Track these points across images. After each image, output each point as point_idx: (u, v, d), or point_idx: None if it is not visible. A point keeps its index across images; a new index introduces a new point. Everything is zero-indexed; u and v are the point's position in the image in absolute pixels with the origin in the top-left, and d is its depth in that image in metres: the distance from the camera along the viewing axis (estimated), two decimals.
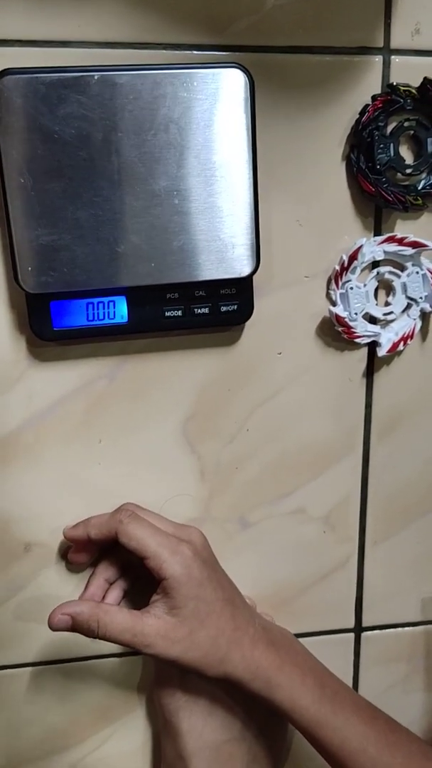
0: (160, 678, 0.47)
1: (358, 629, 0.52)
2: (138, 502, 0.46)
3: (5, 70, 0.36)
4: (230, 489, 0.47)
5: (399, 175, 0.43)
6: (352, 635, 0.52)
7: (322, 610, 0.51)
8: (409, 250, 0.44)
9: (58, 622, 0.40)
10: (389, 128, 0.42)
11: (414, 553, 0.51)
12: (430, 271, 0.45)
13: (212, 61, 0.40)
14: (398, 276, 0.44)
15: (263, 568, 0.49)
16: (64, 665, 0.48)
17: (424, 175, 0.43)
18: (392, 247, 0.44)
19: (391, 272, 0.44)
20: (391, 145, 0.42)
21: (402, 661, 0.53)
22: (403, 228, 0.45)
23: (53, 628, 0.40)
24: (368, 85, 0.42)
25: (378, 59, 0.42)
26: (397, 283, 0.45)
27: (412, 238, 0.44)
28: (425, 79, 0.42)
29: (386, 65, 0.42)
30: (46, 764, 0.50)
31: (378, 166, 0.42)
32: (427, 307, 0.45)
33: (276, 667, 0.41)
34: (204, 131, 0.38)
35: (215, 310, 0.42)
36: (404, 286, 0.45)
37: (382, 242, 0.44)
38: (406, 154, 0.44)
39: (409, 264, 0.44)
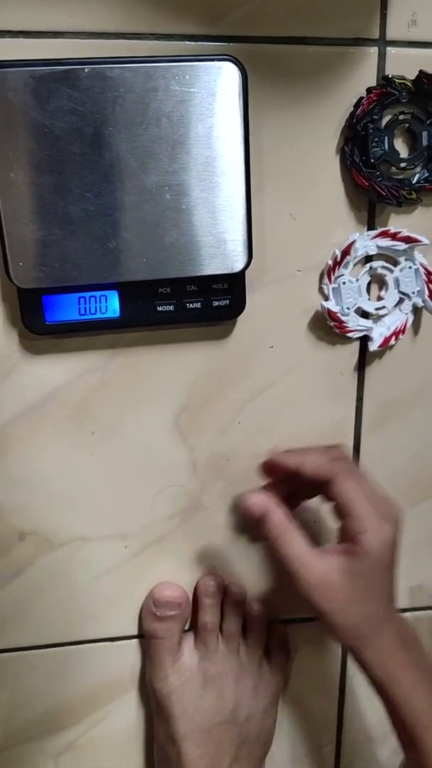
0: (153, 662, 0.48)
1: None
2: (131, 491, 0.47)
3: None
4: (222, 481, 0.48)
5: (393, 168, 0.43)
6: None
7: None
8: (403, 245, 0.44)
9: (255, 507, 0.41)
10: (384, 121, 0.42)
11: (402, 543, 0.52)
12: (423, 266, 0.45)
13: (206, 52, 0.39)
14: (391, 271, 0.44)
15: (255, 556, 0.50)
16: (59, 649, 0.49)
17: (418, 169, 0.43)
18: (385, 242, 0.44)
19: (384, 267, 0.44)
20: (386, 138, 0.42)
21: None
22: (397, 222, 0.44)
23: (246, 507, 0.41)
24: (363, 77, 0.42)
25: (373, 50, 0.41)
26: (389, 278, 0.45)
27: (405, 233, 0.43)
28: (421, 71, 0.41)
29: (381, 57, 0.42)
30: (42, 744, 0.51)
31: (372, 160, 0.41)
32: (419, 302, 0.45)
33: (402, 666, 0.41)
34: (196, 125, 0.38)
35: (207, 305, 0.42)
36: (397, 281, 0.45)
37: (376, 237, 0.44)
38: (401, 148, 0.43)
39: (402, 259, 0.44)
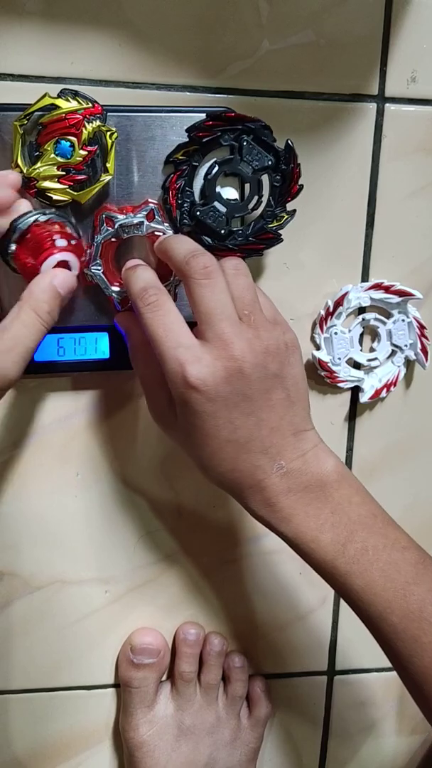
0: (125, 710, 0.47)
1: (332, 672, 0.51)
2: (114, 535, 0.46)
3: None
4: (208, 526, 0.47)
5: None
6: (325, 678, 0.51)
7: (296, 651, 0.50)
8: (396, 298, 0.44)
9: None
10: None
11: None
12: (416, 320, 0.44)
13: (205, 103, 0.40)
14: (384, 323, 0.44)
15: (239, 606, 0.49)
16: (34, 694, 0.48)
17: None
18: (379, 294, 0.43)
19: (376, 319, 0.44)
20: None
21: (374, 705, 0.52)
22: (390, 276, 0.44)
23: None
24: (361, 132, 0.42)
25: (372, 106, 0.42)
26: (382, 330, 0.44)
27: (398, 286, 0.43)
28: None
29: (380, 113, 0.42)
30: None
31: None
32: (411, 354, 0.45)
33: (282, 518, 0.34)
34: None
35: None
36: (389, 333, 0.44)
37: (369, 289, 0.43)
38: None
39: (395, 311, 0.44)
